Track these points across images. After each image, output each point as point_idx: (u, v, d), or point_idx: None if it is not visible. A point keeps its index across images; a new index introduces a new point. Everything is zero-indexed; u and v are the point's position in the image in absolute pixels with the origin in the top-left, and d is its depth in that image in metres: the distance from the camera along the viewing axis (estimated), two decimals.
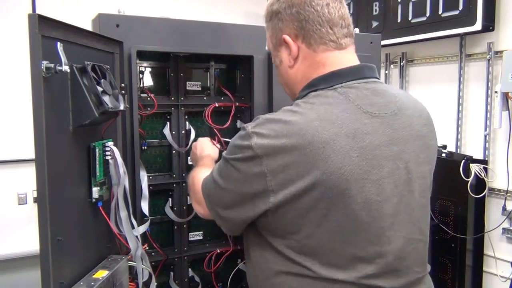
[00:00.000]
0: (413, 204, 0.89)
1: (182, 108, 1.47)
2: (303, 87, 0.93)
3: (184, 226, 1.49)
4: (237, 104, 1.51)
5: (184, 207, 1.49)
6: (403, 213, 0.87)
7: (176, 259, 1.48)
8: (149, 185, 1.33)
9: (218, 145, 1.39)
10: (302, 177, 0.80)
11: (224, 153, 0.92)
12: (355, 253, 0.84)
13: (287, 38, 0.93)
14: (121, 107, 1.07)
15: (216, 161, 1.24)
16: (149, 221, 1.28)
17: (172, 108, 1.46)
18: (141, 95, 1.39)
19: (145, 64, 1.43)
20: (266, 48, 1.05)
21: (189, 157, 1.49)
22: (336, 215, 0.81)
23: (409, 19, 2.53)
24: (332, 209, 0.81)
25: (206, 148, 1.31)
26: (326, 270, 0.84)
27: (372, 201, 0.82)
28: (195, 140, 1.43)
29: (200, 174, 1.08)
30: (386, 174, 0.84)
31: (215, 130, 1.48)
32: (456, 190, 2.25)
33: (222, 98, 1.52)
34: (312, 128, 0.80)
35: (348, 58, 0.93)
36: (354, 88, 0.88)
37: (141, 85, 1.41)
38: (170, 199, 1.48)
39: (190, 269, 1.52)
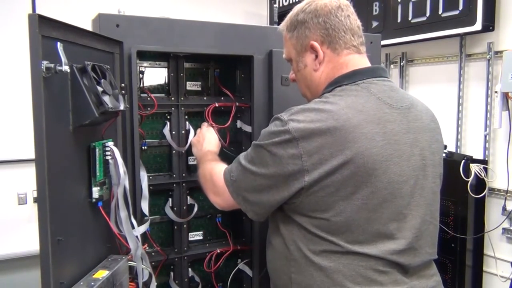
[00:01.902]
0: (426, 188, 0.99)
1: (182, 108, 1.47)
2: (328, 85, 1.03)
3: (184, 226, 1.49)
4: (237, 104, 1.51)
5: (184, 207, 1.49)
6: (418, 195, 0.97)
7: (176, 259, 1.48)
8: (149, 185, 1.33)
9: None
10: (335, 156, 0.89)
11: (254, 142, 1.00)
12: (378, 229, 0.93)
13: (315, 44, 1.03)
14: (121, 107, 1.07)
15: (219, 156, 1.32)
16: (149, 221, 1.28)
17: (172, 108, 1.46)
18: (141, 95, 1.39)
19: (145, 64, 1.43)
20: (284, 56, 1.14)
21: (189, 157, 1.49)
22: (363, 192, 0.91)
23: (409, 19, 2.53)
24: (360, 187, 0.90)
25: (212, 143, 1.37)
26: (353, 246, 0.93)
27: (394, 181, 0.93)
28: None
29: (216, 168, 1.16)
30: (405, 158, 0.95)
31: (216, 129, 1.48)
32: (456, 190, 2.25)
33: (222, 98, 1.52)
34: (344, 114, 0.91)
35: (365, 61, 1.06)
36: (374, 84, 1.00)
37: (141, 85, 1.41)
38: (170, 199, 1.48)
39: (190, 269, 1.52)
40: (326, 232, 0.94)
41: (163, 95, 1.47)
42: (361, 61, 1.05)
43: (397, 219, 0.94)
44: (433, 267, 1.05)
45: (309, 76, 1.07)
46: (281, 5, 3.45)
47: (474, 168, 2.23)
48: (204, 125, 1.45)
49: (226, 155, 1.46)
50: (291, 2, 3.39)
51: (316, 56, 1.04)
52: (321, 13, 1.02)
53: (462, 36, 2.39)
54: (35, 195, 2.48)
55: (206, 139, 1.38)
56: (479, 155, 2.38)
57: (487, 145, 2.37)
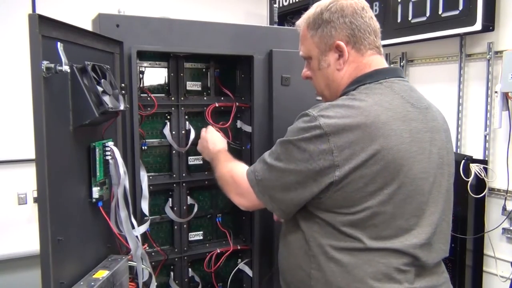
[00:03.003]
0: (442, 185, 1.02)
1: (182, 108, 1.47)
2: (350, 83, 1.04)
3: (184, 226, 1.49)
4: (237, 104, 1.51)
5: (184, 207, 1.49)
6: (436, 192, 1.00)
7: (176, 259, 1.48)
8: (149, 185, 1.33)
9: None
10: (367, 152, 0.90)
11: (280, 139, 1.00)
12: (400, 224, 0.95)
13: (342, 44, 1.03)
14: (121, 107, 1.07)
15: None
16: (149, 221, 1.28)
17: (172, 108, 1.46)
18: (141, 95, 1.39)
19: (145, 64, 1.43)
20: (301, 53, 1.12)
21: (189, 157, 1.49)
22: (390, 188, 0.92)
23: (409, 19, 2.52)
24: (388, 183, 0.92)
25: (218, 142, 1.36)
26: (375, 242, 0.94)
27: (417, 178, 0.95)
28: (197, 137, 1.43)
29: (236, 168, 1.16)
30: (426, 156, 0.97)
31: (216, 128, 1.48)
32: (456, 190, 2.21)
33: (222, 98, 1.52)
34: (373, 110, 0.93)
35: (384, 61, 1.08)
36: (395, 83, 1.02)
37: (141, 85, 1.41)
38: (170, 199, 1.48)
39: (190, 269, 1.52)
40: (349, 227, 0.94)
41: (163, 95, 1.47)
42: (382, 62, 1.07)
43: (417, 215, 0.96)
44: (443, 265, 1.07)
45: (331, 75, 1.07)
46: (281, 5, 3.45)
47: (474, 168, 2.23)
48: (203, 130, 1.44)
49: (233, 149, 1.46)
50: (291, 2, 3.39)
51: (340, 56, 1.04)
52: (347, 13, 1.02)
53: (462, 36, 2.38)
54: (35, 195, 2.49)
55: (210, 140, 1.37)
56: (479, 155, 2.38)
57: (487, 145, 2.36)
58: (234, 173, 1.14)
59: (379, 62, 1.05)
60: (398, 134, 0.93)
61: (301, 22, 1.11)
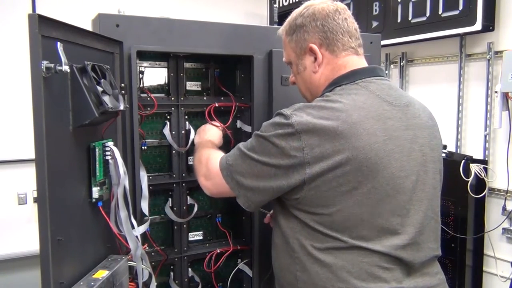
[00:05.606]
0: (427, 183, 1.01)
1: (182, 108, 1.47)
2: (328, 85, 1.06)
3: (184, 226, 1.49)
4: (237, 104, 1.51)
5: (184, 207, 1.49)
6: (420, 190, 0.99)
7: (176, 259, 1.48)
8: (149, 185, 1.33)
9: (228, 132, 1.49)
10: (338, 152, 0.91)
11: (256, 132, 1.02)
12: (381, 224, 0.94)
13: (314, 47, 1.05)
14: (121, 107, 1.07)
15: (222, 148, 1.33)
16: (149, 221, 1.28)
17: (172, 108, 1.46)
18: (141, 95, 1.39)
19: (145, 64, 1.43)
20: (284, 59, 1.17)
21: (189, 157, 1.49)
22: (365, 187, 0.92)
23: (409, 19, 2.53)
24: (362, 182, 0.92)
25: (212, 134, 1.40)
26: (357, 241, 0.94)
27: (396, 176, 0.94)
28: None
29: (214, 154, 1.19)
30: (406, 154, 0.97)
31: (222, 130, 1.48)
32: (456, 190, 2.25)
33: (222, 98, 1.52)
34: (345, 110, 0.94)
35: (363, 62, 1.09)
36: (372, 83, 1.02)
37: (141, 85, 1.41)
38: (170, 199, 1.48)
39: (190, 269, 1.52)
40: (329, 229, 0.95)
41: (163, 95, 1.47)
42: (359, 62, 1.07)
43: (400, 214, 0.96)
44: (437, 265, 1.06)
45: (308, 78, 1.10)
46: (281, 5, 3.45)
47: (474, 168, 2.23)
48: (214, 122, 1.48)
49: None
50: (291, 2, 3.39)
51: (315, 59, 1.07)
52: (319, 16, 1.05)
53: (462, 36, 2.39)
54: (35, 195, 2.48)
55: (211, 131, 1.41)
56: (479, 155, 2.38)
57: (487, 145, 2.37)
58: (210, 157, 1.17)
59: (355, 62, 1.06)
60: (371, 133, 0.93)
61: (281, 29, 1.15)
